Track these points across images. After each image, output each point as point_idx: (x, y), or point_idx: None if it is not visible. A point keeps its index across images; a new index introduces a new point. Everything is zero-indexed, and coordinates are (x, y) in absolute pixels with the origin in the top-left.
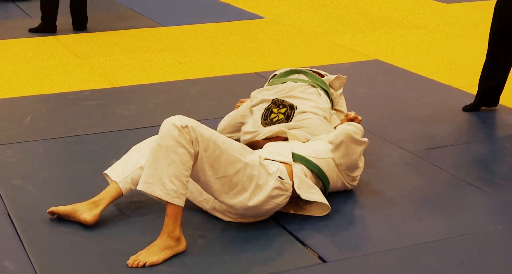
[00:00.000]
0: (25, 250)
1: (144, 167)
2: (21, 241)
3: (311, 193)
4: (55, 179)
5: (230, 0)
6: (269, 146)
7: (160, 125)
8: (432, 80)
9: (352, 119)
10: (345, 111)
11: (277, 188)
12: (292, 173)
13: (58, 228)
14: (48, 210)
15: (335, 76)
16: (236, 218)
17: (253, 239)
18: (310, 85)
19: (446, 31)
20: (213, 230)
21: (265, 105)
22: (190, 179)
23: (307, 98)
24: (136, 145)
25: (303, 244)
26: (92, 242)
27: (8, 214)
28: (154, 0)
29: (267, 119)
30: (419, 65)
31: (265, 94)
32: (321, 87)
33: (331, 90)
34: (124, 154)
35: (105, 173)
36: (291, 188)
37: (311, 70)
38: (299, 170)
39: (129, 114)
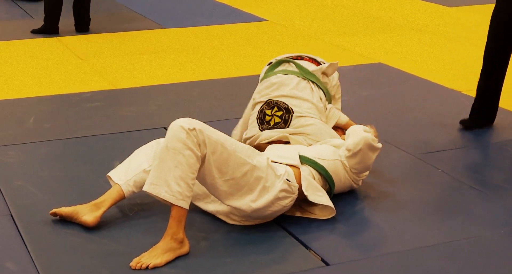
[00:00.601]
0: (28, 251)
1: (147, 170)
2: (23, 242)
3: (318, 195)
4: (57, 180)
5: (232, 2)
6: (274, 148)
7: (161, 127)
8: (435, 83)
9: None
10: (339, 108)
11: (284, 190)
12: (299, 176)
13: (61, 229)
14: (50, 211)
15: (328, 64)
16: (241, 220)
17: (256, 241)
18: (300, 78)
19: (448, 34)
20: (216, 232)
21: (258, 107)
22: (196, 181)
23: (301, 98)
24: (139, 148)
25: (306, 247)
26: (95, 244)
27: (11, 215)
28: (156, 2)
29: (263, 123)
30: (422, 68)
31: (256, 96)
32: (311, 80)
33: (325, 79)
34: (126, 155)
35: (108, 176)
36: (297, 191)
37: (307, 57)
38: (307, 172)
39: (131, 116)
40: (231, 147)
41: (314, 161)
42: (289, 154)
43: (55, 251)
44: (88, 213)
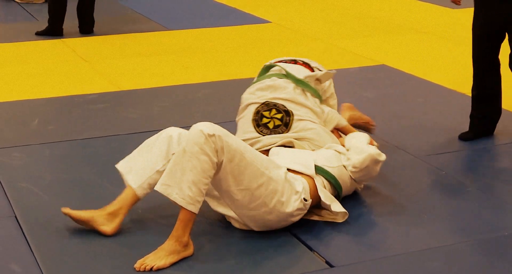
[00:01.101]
0: (32, 253)
1: (161, 170)
2: (28, 243)
3: (335, 205)
4: (61, 181)
5: (236, 4)
6: (282, 152)
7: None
8: (437, 85)
9: None
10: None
11: (299, 209)
12: (314, 187)
13: (65, 230)
14: (64, 210)
15: (323, 72)
16: (247, 226)
17: (260, 243)
18: (295, 84)
19: (453, 36)
20: (221, 235)
21: (253, 108)
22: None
23: (300, 103)
24: (149, 140)
25: (311, 249)
26: (99, 245)
27: (15, 217)
28: (161, 4)
29: (260, 126)
30: (425, 71)
31: (250, 97)
32: (302, 88)
33: (318, 86)
34: None
35: (119, 171)
36: (309, 206)
37: (301, 61)
38: (320, 182)
39: (135, 118)
40: (250, 157)
41: (325, 169)
42: (303, 160)
43: (59, 252)
44: (106, 222)
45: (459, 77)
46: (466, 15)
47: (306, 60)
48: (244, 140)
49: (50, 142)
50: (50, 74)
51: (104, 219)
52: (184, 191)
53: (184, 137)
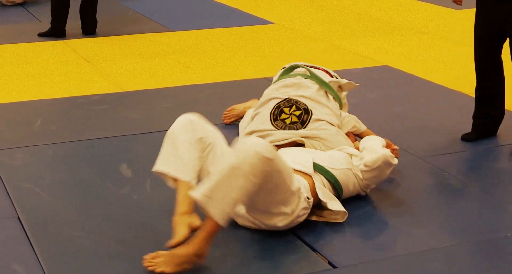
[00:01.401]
0: (35, 253)
1: (200, 156)
2: (30, 244)
3: (333, 204)
4: (63, 182)
5: (238, 5)
6: (289, 152)
7: (167, 130)
8: (441, 86)
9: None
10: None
11: (304, 208)
12: (313, 185)
13: (68, 231)
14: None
15: (347, 81)
16: (252, 223)
17: (263, 244)
18: (319, 86)
19: (453, 36)
20: (223, 235)
21: (275, 102)
22: None
23: (322, 103)
24: (168, 137)
25: (314, 249)
26: (102, 246)
27: (18, 217)
28: (163, 5)
29: (277, 120)
30: (426, 71)
31: (273, 92)
32: (326, 91)
33: (338, 93)
34: (132, 157)
35: (162, 172)
36: (312, 204)
37: (322, 68)
38: (319, 181)
39: (137, 119)
40: (286, 175)
41: (326, 169)
42: (303, 160)
43: (62, 253)
44: (192, 220)
45: (460, 77)
46: (466, 16)
47: (325, 68)
48: (256, 131)
49: (52, 142)
50: (52, 75)
51: (187, 218)
52: (223, 207)
53: (203, 123)
